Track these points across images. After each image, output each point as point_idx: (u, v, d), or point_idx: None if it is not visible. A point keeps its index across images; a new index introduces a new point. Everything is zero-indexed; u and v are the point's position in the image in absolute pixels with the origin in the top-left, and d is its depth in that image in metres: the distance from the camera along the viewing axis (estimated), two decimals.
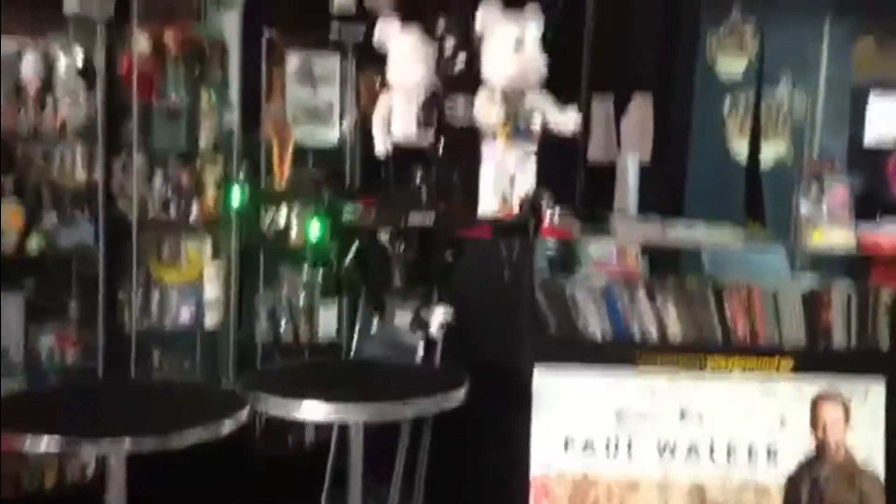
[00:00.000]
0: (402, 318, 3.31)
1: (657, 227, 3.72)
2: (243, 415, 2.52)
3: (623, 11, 5.24)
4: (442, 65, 3.73)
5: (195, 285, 4.24)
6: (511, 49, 3.48)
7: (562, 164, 4.34)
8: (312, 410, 2.66)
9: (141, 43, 4.03)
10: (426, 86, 3.67)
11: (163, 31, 4.11)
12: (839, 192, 3.68)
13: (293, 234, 4.22)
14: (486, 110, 3.51)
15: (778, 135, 5.51)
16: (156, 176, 4.17)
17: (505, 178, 3.47)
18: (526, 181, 3.38)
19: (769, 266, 3.58)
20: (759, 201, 5.21)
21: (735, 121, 5.40)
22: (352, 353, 3.50)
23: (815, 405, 3.19)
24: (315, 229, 2.81)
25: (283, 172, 4.27)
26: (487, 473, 3.18)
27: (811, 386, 3.19)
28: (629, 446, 3.15)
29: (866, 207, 3.96)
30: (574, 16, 5.28)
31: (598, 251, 3.40)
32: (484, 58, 3.55)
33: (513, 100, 3.51)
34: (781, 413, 3.18)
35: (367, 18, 4.02)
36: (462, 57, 3.72)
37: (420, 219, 2.69)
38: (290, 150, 4.30)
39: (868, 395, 3.18)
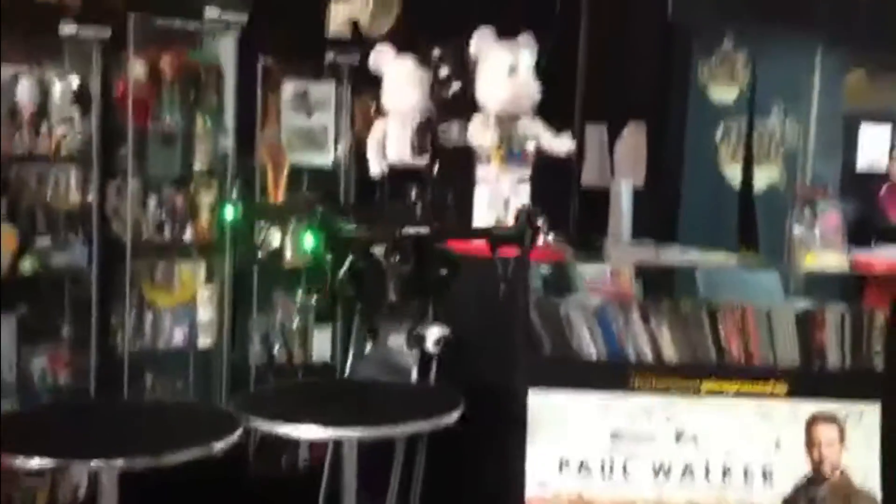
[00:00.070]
0: (397, 339, 3.30)
1: (651, 252, 3.74)
2: (236, 434, 2.50)
3: (616, 40, 5.30)
4: (436, 90, 3.76)
5: (188, 308, 4.24)
6: (505, 74, 3.51)
7: (556, 190, 4.35)
8: (306, 431, 2.65)
9: (137, 68, 4.05)
10: (421, 111, 3.69)
11: (159, 56, 4.13)
12: (832, 216, 3.70)
13: (287, 256, 4.22)
14: (481, 134, 3.53)
15: (770, 162, 5.54)
16: (150, 199, 4.18)
17: (499, 202, 3.49)
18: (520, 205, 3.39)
19: (763, 289, 3.60)
20: (752, 228, 5.23)
21: (728, 148, 5.42)
22: (346, 375, 3.48)
23: (810, 426, 3.18)
24: (309, 242, 2.80)
25: (277, 196, 4.28)
26: (482, 493, 3.16)
27: (806, 407, 3.18)
28: (624, 467, 3.13)
29: (860, 233, 3.99)
30: (567, 45, 5.35)
31: (592, 273, 3.40)
32: (478, 83, 3.58)
33: (507, 124, 3.54)
34: (777, 434, 3.17)
35: (362, 44, 4.05)
36: (456, 83, 3.75)
37: (415, 232, 2.69)
38: (285, 174, 4.32)
39: (863, 417, 3.18)
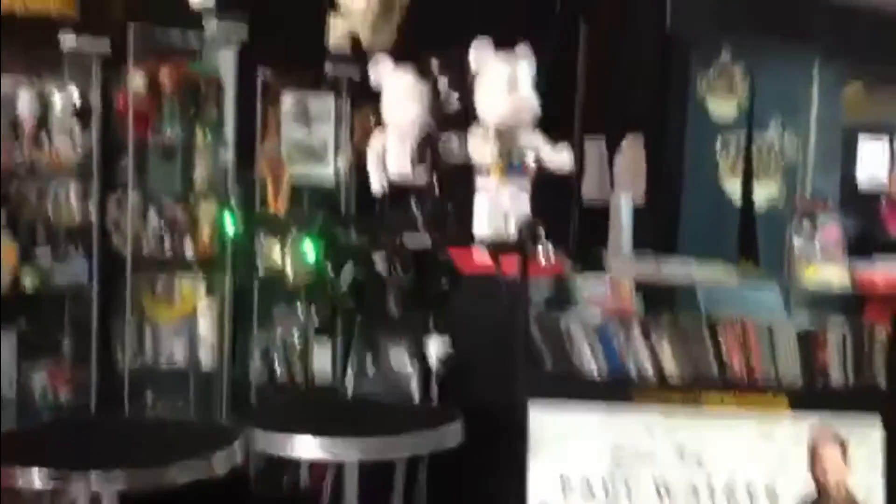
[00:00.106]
0: (397, 356, 3.29)
1: (651, 264, 3.73)
2: (237, 451, 2.50)
3: (614, 54, 5.31)
4: (436, 103, 3.75)
5: (189, 323, 4.22)
6: (504, 87, 3.50)
7: (555, 204, 4.35)
8: (307, 449, 2.64)
9: (136, 80, 4.05)
10: (420, 124, 3.68)
11: (158, 69, 4.12)
12: (832, 229, 3.70)
13: (288, 272, 4.21)
14: (480, 147, 3.52)
15: (770, 176, 5.55)
16: (150, 213, 4.17)
17: (499, 215, 3.47)
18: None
19: (763, 304, 3.59)
20: (752, 241, 5.23)
21: (727, 161, 5.43)
22: (347, 392, 3.47)
23: (813, 444, 3.17)
24: (309, 250, 2.79)
25: (278, 209, 4.27)
26: None
27: (809, 424, 3.17)
28: (626, 484, 3.12)
29: (860, 247, 3.99)
30: (566, 58, 5.36)
31: (592, 288, 3.39)
32: (477, 96, 3.57)
33: (506, 137, 3.53)
34: (780, 452, 3.16)
35: (361, 57, 4.04)
36: (455, 96, 3.74)
37: (415, 240, 2.68)
38: (285, 186, 4.31)
39: (866, 434, 3.17)
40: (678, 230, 5.10)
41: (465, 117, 3.62)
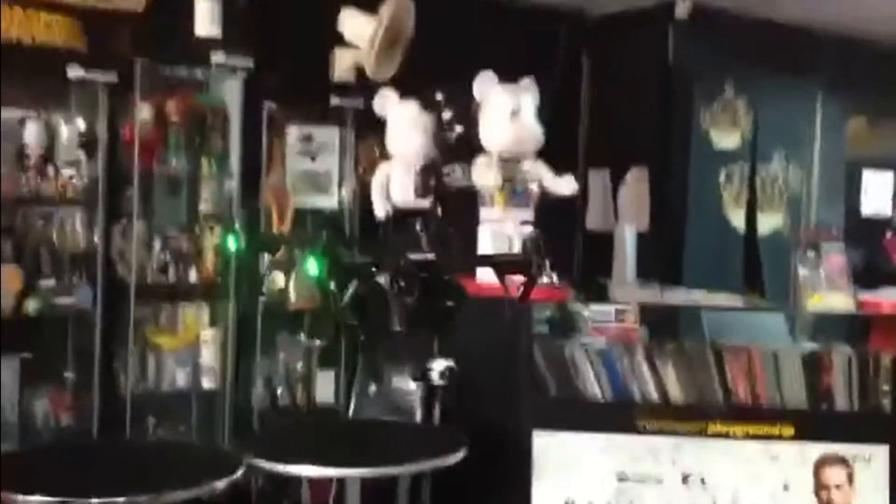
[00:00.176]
0: (400, 380, 3.28)
1: (655, 292, 3.73)
2: (238, 473, 2.48)
3: (618, 87, 5.35)
4: (440, 134, 3.78)
5: (192, 351, 4.22)
6: (507, 117, 3.54)
7: (560, 235, 4.36)
8: (309, 470, 2.62)
9: (143, 112, 4.08)
10: (424, 155, 3.71)
11: (165, 101, 4.16)
12: (836, 258, 3.71)
13: (292, 298, 4.21)
14: (484, 175, 3.55)
15: (774, 207, 5.56)
16: (155, 242, 4.18)
17: (503, 242, 3.49)
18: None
19: (768, 331, 3.58)
20: (757, 272, 5.23)
21: (731, 193, 5.45)
22: (349, 415, 3.46)
23: (818, 469, 3.15)
24: (312, 268, 2.80)
25: (281, 230, 4.30)
26: None
27: (814, 449, 3.15)
28: None
29: (865, 278, 3.98)
30: (569, 92, 5.40)
31: (596, 315, 3.39)
32: (481, 125, 3.60)
33: (510, 166, 3.55)
34: (785, 477, 3.13)
35: (365, 88, 4.08)
36: (459, 126, 3.77)
37: (419, 258, 2.68)
38: (290, 216, 4.33)
39: (872, 459, 3.14)
40: (683, 261, 5.10)
41: (469, 148, 3.65)
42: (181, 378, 4.21)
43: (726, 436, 3.15)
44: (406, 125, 3.74)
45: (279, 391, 4.40)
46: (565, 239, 4.89)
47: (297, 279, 4.13)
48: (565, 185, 3.60)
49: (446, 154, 3.76)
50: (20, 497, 2.26)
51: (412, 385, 3.18)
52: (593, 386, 3.20)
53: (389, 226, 3.56)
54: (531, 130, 3.59)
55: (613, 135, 5.34)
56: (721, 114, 5.50)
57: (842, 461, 3.14)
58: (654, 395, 3.20)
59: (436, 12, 3.94)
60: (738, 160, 5.47)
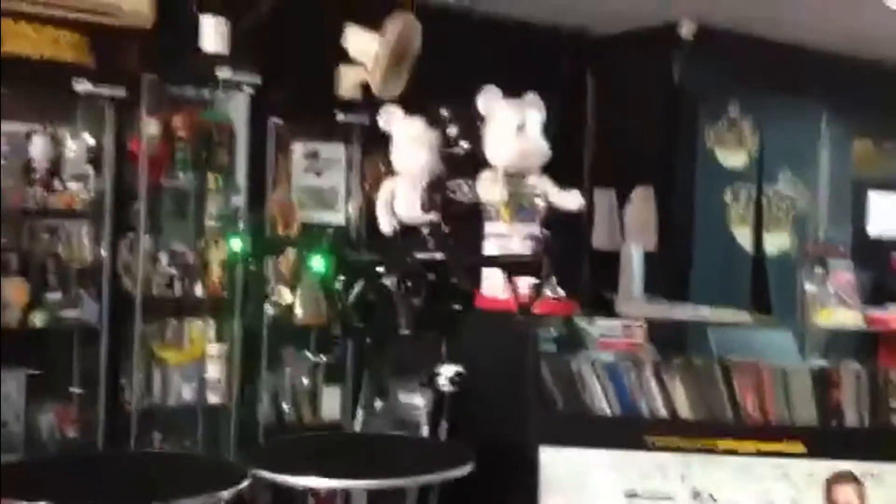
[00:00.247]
0: (406, 396, 3.27)
1: (662, 308, 3.72)
2: (244, 484, 2.47)
3: (622, 107, 5.36)
4: (445, 150, 3.78)
5: (197, 366, 4.21)
6: (513, 131, 3.54)
7: (566, 254, 4.36)
8: (316, 481, 2.60)
9: (150, 126, 4.09)
10: (429, 171, 3.71)
11: (171, 116, 4.17)
12: (844, 274, 3.70)
13: (298, 313, 4.21)
14: (489, 190, 3.54)
15: (780, 227, 5.56)
16: (161, 256, 4.18)
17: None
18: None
19: (776, 348, 3.56)
20: (764, 291, 5.22)
21: (737, 212, 5.45)
22: (355, 428, 3.44)
23: (829, 486, 3.11)
24: (318, 266, 2.78)
25: (287, 255, 4.29)
26: None
27: (825, 467, 3.12)
28: None
29: (873, 297, 3.98)
30: (575, 111, 5.41)
31: (603, 329, 3.37)
32: (486, 141, 3.60)
33: (515, 181, 3.55)
34: (795, 495, 3.10)
35: (371, 105, 4.09)
36: (465, 142, 3.77)
37: (426, 258, 2.67)
38: (296, 231, 4.33)
39: (883, 476, 3.11)
40: (690, 280, 5.09)
41: (475, 163, 3.65)
42: (187, 393, 4.21)
43: (736, 453, 3.12)
44: (411, 142, 3.74)
45: (285, 406, 4.39)
46: (571, 257, 4.87)
47: (302, 294, 4.13)
48: (571, 200, 3.59)
49: (452, 170, 3.75)
50: None
51: (418, 399, 3.17)
52: (601, 401, 3.17)
53: (397, 235, 3.56)
54: (537, 145, 3.59)
55: (618, 154, 5.35)
56: (727, 133, 5.51)
57: (853, 479, 3.10)
58: (663, 411, 3.17)
59: (441, 31, 3.96)
60: (744, 179, 5.48)
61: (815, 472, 3.11)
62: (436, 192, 3.69)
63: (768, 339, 3.64)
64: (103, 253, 4.02)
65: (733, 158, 5.51)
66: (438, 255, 2.77)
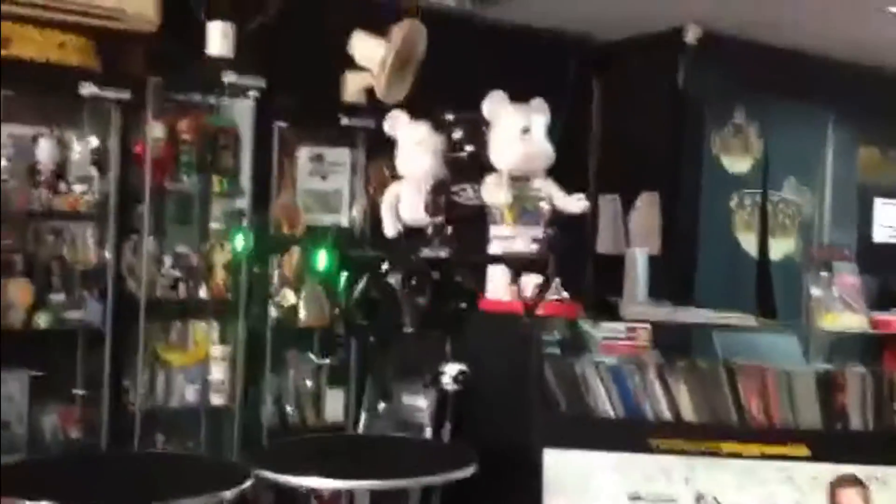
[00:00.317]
0: (409, 398, 3.26)
1: (667, 311, 3.71)
2: (247, 484, 2.46)
3: (628, 113, 5.36)
4: (450, 154, 3.78)
5: (201, 368, 4.22)
6: (518, 135, 3.54)
7: (570, 259, 4.35)
8: (318, 482, 2.60)
9: (155, 129, 4.10)
10: (434, 175, 3.71)
11: (177, 119, 4.19)
12: (849, 278, 3.68)
13: (302, 315, 4.21)
14: (494, 193, 3.54)
15: (786, 233, 5.56)
16: (165, 258, 4.19)
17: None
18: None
19: (781, 352, 3.55)
20: (769, 297, 5.21)
21: (742, 218, 5.45)
22: (359, 430, 3.44)
23: (834, 490, 3.10)
24: (322, 261, 2.78)
25: (292, 258, 4.29)
26: None
27: (829, 470, 3.10)
28: None
29: (878, 302, 3.96)
30: (580, 117, 5.41)
31: (607, 332, 3.37)
32: (491, 144, 3.61)
33: (520, 184, 3.55)
34: (799, 498, 3.08)
35: (376, 109, 4.10)
36: (469, 146, 3.78)
37: (431, 255, 2.67)
38: (300, 235, 4.34)
39: (889, 480, 3.09)
40: (694, 285, 5.09)
41: (479, 167, 3.65)
42: (190, 395, 4.21)
43: (740, 456, 3.11)
44: (416, 146, 3.75)
45: (288, 409, 4.40)
46: (576, 261, 4.87)
47: (306, 296, 4.13)
48: (575, 204, 3.60)
49: (456, 173, 3.76)
50: (25, 503, 2.24)
51: (421, 401, 3.16)
52: (605, 404, 3.16)
53: (401, 237, 3.57)
54: (541, 148, 3.60)
55: (623, 159, 5.34)
56: (732, 139, 5.52)
57: (858, 482, 3.09)
58: (667, 413, 3.16)
59: (447, 36, 3.97)
60: (750, 185, 5.48)
61: (820, 475, 3.09)
62: (440, 196, 3.69)
63: (773, 342, 3.63)
64: (107, 255, 4.03)
65: (739, 164, 5.51)
66: (443, 253, 2.76)
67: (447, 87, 3.86)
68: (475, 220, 3.63)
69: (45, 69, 3.98)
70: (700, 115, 5.45)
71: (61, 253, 3.99)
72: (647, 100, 5.36)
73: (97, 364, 3.96)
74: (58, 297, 3.92)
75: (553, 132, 3.67)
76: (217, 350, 4.20)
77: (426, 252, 2.71)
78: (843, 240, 5.68)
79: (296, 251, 4.36)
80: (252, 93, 4.30)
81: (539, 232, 3.54)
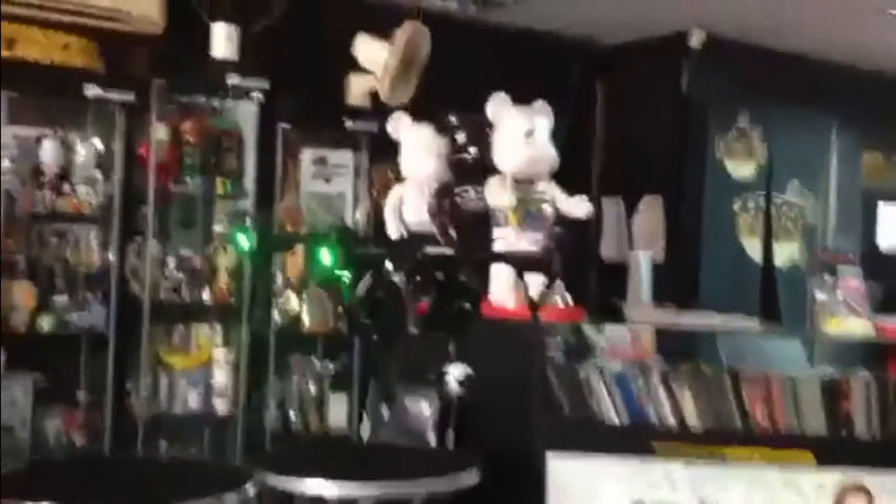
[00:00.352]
0: (413, 403, 3.25)
1: (671, 315, 3.69)
2: (249, 490, 2.46)
3: (631, 116, 5.36)
4: (453, 156, 3.78)
5: (204, 371, 4.21)
6: (521, 137, 3.53)
7: (574, 263, 4.34)
8: (322, 488, 2.59)
9: (159, 131, 4.10)
10: (437, 177, 3.71)
11: (181, 121, 4.19)
12: (853, 282, 3.66)
13: (305, 321, 4.21)
14: (498, 196, 3.53)
15: (790, 237, 5.55)
16: (169, 261, 4.19)
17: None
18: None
19: (785, 357, 3.54)
20: (773, 302, 5.20)
21: (746, 222, 5.44)
22: (362, 438, 3.43)
23: (839, 497, 3.09)
24: (325, 259, 2.77)
25: (296, 260, 4.29)
26: None
27: (835, 477, 3.09)
28: None
29: (883, 307, 3.94)
30: (584, 121, 5.41)
31: (611, 336, 3.36)
32: (494, 147, 3.60)
33: (524, 187, 3.54)
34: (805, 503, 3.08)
35: (379, 112, 4.10)
36: (473, 149, 3.77)
37: (435, 252, 2.65)
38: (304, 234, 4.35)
39: (893, 485, 3.09)
40: (698, 289, 5.08)
41: (483, 169, 3.65)
42: (193, 398, 4.20)
43: (745, 462, 3.10)
44: (419, 148, 3.74)
45: (292, 414, 4.39)
46: (579, 265, 4.87)
47: (309, 301, 4.12)
48: (579, 207, 3.58)
49: (460, 176, 3.75)
50: None
51: (425, 407, 3.15)
52: (609, 409, 3.15)
53: (404, 239, 3.56)
54: (545, 151, 3.58)
55: (627, 163, 5.35)
56: (736, 143, 5.51)
57: (863, 489, 3.08)
58: (671, 419, 3.15)
59: (450, 39, 3.96)
60: (753, 189, 5.47)
61: (825, 481, 3.08)
62: (444, 199, 3.68)
63: (777, 348, 3.61)
64: (111, 257, 4.04)
65: (742, 168, 5.50)
66: (447, 251, 2.75)
67: (450, 91, 3.85)
68: (479, 223, 3.62)
69: (49, 71, 3.99)
70: (703, 119, 5.45)
71: (65, 255, 4.00)
72: (650, 103, 5.36)
73: (100, 367, 3.97)
74: (61, 300, 3.92)
75: (557, 135, 3.65)
76: (220, 353, 4.20)
77: (430, 249, 2.69)
78: (848, 244, 5.68)
79: (299, 253, 4.35)
80: (256, 95, 4.30)
81: (543, 234, 3.53)
